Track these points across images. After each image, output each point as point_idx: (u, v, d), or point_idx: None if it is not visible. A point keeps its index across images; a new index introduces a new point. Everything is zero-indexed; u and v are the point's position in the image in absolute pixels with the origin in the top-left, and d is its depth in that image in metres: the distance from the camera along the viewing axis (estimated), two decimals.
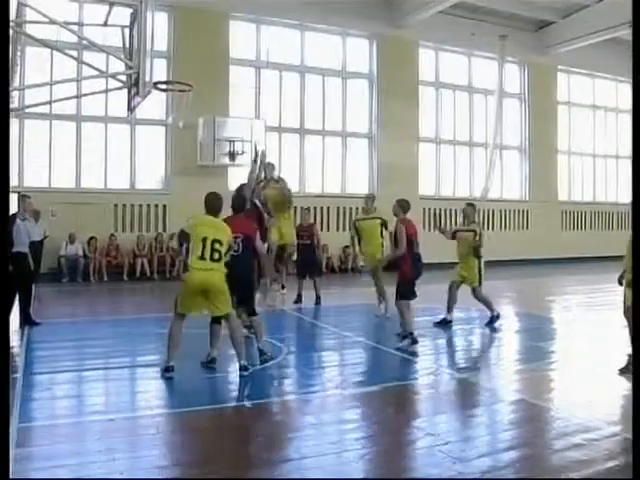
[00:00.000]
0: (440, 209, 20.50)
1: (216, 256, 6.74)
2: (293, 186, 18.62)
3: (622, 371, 6.99)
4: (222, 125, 17.24)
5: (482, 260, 10.07)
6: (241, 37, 18.49)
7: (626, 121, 25.65)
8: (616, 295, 7.45)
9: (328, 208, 19.42)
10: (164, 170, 17.62)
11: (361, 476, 4.56)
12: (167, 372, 6.69)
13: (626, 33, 19.40)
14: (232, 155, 17.18)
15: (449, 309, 10.10)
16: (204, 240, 6.73)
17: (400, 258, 8.40)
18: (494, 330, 9.83)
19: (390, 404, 6.17)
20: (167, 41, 17.36)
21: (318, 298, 12.26)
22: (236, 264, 7.15)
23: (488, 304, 10.10)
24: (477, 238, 9.98)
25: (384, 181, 19.88)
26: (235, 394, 6.64)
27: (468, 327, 10.33)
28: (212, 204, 7.07)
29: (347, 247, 19.11)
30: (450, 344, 9.22)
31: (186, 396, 6.32)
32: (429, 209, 20.12)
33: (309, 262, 12.55)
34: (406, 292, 8.40)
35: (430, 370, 7.55)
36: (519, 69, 23.24)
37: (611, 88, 25.59)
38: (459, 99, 22.17)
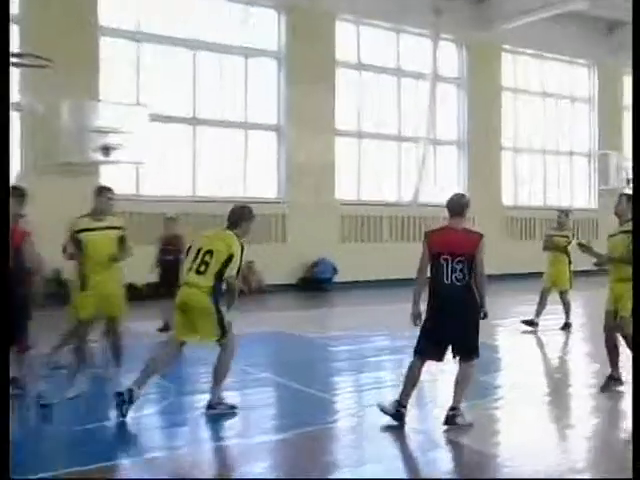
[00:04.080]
0: (363, 217, 20.77)
1: (202, 268, 7.02)
2: (183, 190, 18.69)
3: (603, 389, 7.93)
4: (92, 111, 16.83)
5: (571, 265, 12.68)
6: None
7: (583, 111, 26.49)
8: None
9: (223, 216, 19.18)
10: (18, 166, 16.69)
11: None
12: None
13: (583, 6, 20.10)
14: (106, 150, 16.82)
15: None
16: (198, 251, 7.16)
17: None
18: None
19: (304, 453, 6.17)
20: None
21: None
22: None
23: (569, 311, 12.55)
24: (570, 243, 12.44)
25: (295, 183, 19.94)
26: (109, 449, 6.47)
27: (399, 357, 10.43)
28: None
29: (250, 262, 19.01)
30: (378, 379, 9.26)
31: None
32: (349, 216, 20.28)
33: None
34: (477, 343, 7.09)
35: (351, 411, 7.59)
36: (456, 49, 23.60)
37: (565, 72, 26.26)
38: (385, 84, 22.36)
